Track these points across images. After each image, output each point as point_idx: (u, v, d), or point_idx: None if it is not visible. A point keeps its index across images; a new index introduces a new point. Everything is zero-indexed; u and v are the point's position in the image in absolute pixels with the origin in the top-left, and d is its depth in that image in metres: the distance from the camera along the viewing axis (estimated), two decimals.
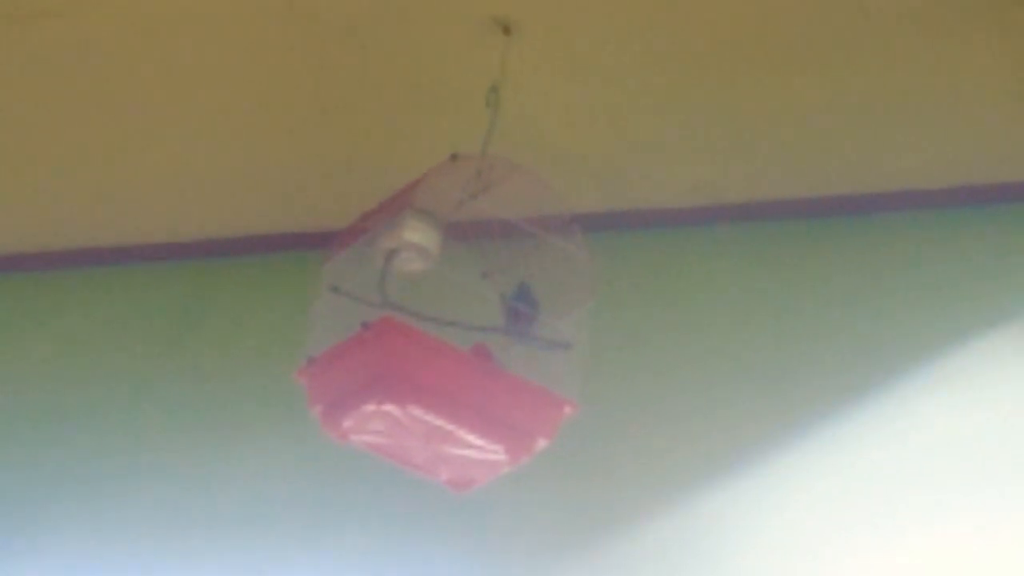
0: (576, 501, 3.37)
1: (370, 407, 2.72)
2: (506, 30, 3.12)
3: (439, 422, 2.73)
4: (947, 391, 3.33)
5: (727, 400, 3.40)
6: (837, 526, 3.26)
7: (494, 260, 2.92)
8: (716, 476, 3.34)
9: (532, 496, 3.33)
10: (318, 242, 3.03)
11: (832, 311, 3.45)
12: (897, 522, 3.24)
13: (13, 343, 3.86)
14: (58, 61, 3.32)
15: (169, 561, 3.53)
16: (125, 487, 3.62)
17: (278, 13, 3.19)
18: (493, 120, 2.99)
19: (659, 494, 3.35)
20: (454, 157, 2.84)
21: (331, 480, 3.50)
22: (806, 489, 3.31)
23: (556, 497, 3.37)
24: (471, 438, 2.75)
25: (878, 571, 3.21)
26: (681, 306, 3.54)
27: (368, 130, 3.42)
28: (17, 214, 3.76)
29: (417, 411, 2.71)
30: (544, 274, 2.90)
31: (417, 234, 2.82)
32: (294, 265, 3.68)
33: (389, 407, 2.71)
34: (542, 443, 2.80)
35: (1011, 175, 3.43)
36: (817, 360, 3.41)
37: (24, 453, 3.71)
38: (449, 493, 2.90)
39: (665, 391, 3.44)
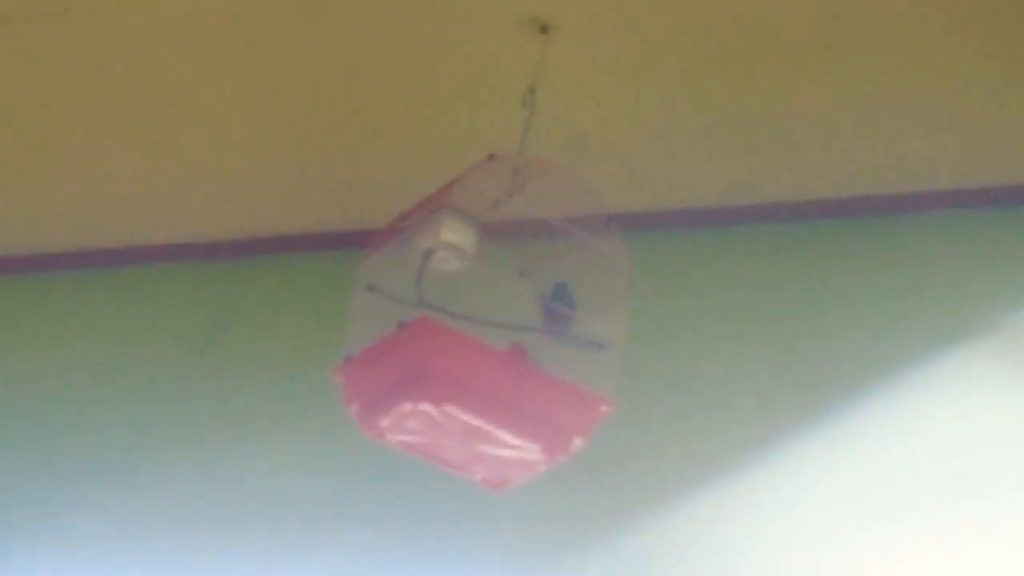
0: (587, 499, 3.37)
1: (406, 406, 2.72)
2: (543, 29, 3.12)
3: (475, 421, 2.72)
4: (952, 392, 3.32)
5: (752, 399, 3.40)
6: (853, 524, 3.26)
7: (531, 259, 2.92)
8: (727, 472, 3.34)
9: (540, 495, 3.32)
10: (355, 241, 3.03)
11: (854, 312, 3.45)
12: (906, 520, 3.24)
13: (45, 342, 3.88)
14: (91, 61, 3.34)
15: (194, 558, 3.55)
16: (154, 485, 3.64)
17: (315, 12, 3.20)
18: (530, 120, 2.98)
19: (671, 492, 3.35)
20: (491, 157, 2.84)
21: (359, 480, 3.51)
22: (817, 487, 3.31)
23: (566, 495, 3.36)
24: (507, 437, 2.75)
25: (882, 569, 3.20)
26: (711, 305, 3.53)
27: (404, 130, 3.43)
28: (48, 214, 3.78)
29: (453, 410, 2.71)
30: (581, 273, 2.89)
31: (454, 233, 2.82)
32: (330, 264, 3.69)
33: (425, 406, 2.71)
34: (579, 443, 2.80)
35: None
36: (836, 360, 3.40)
37: (50, 451, 3.72)
38: (458, 492, 2.90)
39: (691, 390, 3.44)
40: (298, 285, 3.79)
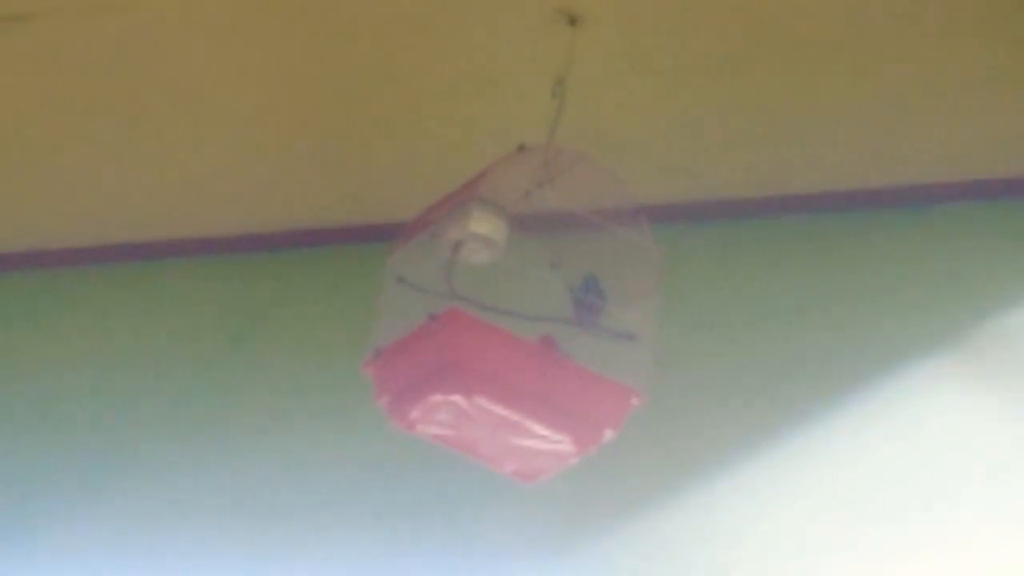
0: (590, 495, 3.37)
1: (437, 398, 2.72)
2: (572, 21, 3.12)
3: (505, 413, 2.72)
4: (952, 389, 3.31)
5: (768, 393, 3.39)
6: (854, 522, 3.26)
7: (561, 251, 2.92)
8: (730, 466, 3.34)
9: (543, 491, 3.31)
10: (384, 234, 3.03)
11: (864, 307, 3.44)
12: (905, 518, 3.24)
13: (77, 337, 3.88)
14: (127, 54, 3.34)
15: (205, 554, 3.55)
16: (184, 481, 3.64)
17: (344, 8, 3.20)
18: (559, 112, 2.98)
19: (673, 488, 3.35)
20: (521, 148, 2.84)
21: (374, 474, 3.51)
22: (819, 483, 3.31)
23: (567, 492, 3.34)
24: (538, 429, 2.75)
25: (879, 566, 3.20)
26: (739, 298, 3.53)
27: (436, 122, 3.43)
28: (86, 209, 3.78)
29: (484, 402, 2.71)
30: (611, 265, 2.89)
31: (483, 225, 2.82)
32: (360, 257, 3.69)
33: (456, 398, 2.71)
34: (609, 434, 2.80)
35: None
36: (866, 350, 3.40)
37: (80, 446, 3.73)
38: (456, 487, 2.91)
39: (721, 382, 3.44)
40: (330, 278, 3.79)
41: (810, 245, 3.54)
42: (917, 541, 3.21)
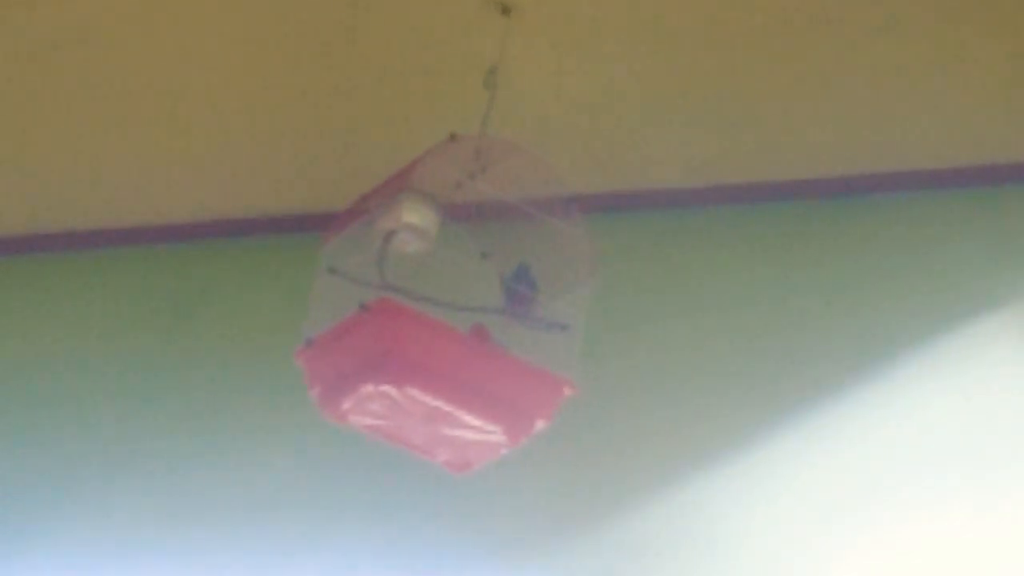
0: (572, 485, 3.36)
1: (368, 388, 2.72)
2: (505, 11, 3.12)
3: (437, 403, 2.72)
4: (944, 378, 3.32)
5: (724, 384, 3.39)
6: (835, 511, 3.26)
7: (493, 241, 2.92)
8: (713, 460, 3.34)
9: (530, 483, 3.33)
10: (317, 224, 3.02)
11: (831, 296, 3.44)
12: (896, 509, 3.23)
13: (9, 327, 3.85)
14: (57, 46, 3.32)
15: (167, 550, 3.52)
16: (120, 476, 3.61)
17: None
18: (492, 101, 2.98)
19: (654, 478, 3.34)
20: (453, 137, 2.83)
21: (330, 467, 3.50)
22: (803, 474, 3.30)
23: (554, 483, 3.36)
24: (469, 419, 2.75)
25: (873, 557, 3.20)
26: (679, 288, 3.53)
27: (367, 112, 3.42)
28: (13, 197, 3.75)
29: (415, 392, 2.71)
30: (543, 255, 2.89)
31: (415, 215, 2.81)
32: (293, 247, 3.67)
33: (387, 388, 2.71)
34: (541, 424, 2.80)
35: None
36: (816, 345, 3.40)
37: (18, 441, 3.70)
38: (446, 481, 2.90)
39: (663, 374, 3.43)
40: (263, 268, 3.77)
41: (746, 235, 3.54)
42: (913, 531, 3.21)
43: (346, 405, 2.77)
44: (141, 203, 3.75)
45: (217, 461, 3.58)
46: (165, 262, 3.82)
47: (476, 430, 2.77)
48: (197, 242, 3.80)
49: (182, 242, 3.81)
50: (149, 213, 3.78)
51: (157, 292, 3.80)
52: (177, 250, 3.82)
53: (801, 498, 3.28)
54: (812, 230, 3.51)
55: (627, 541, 3.32)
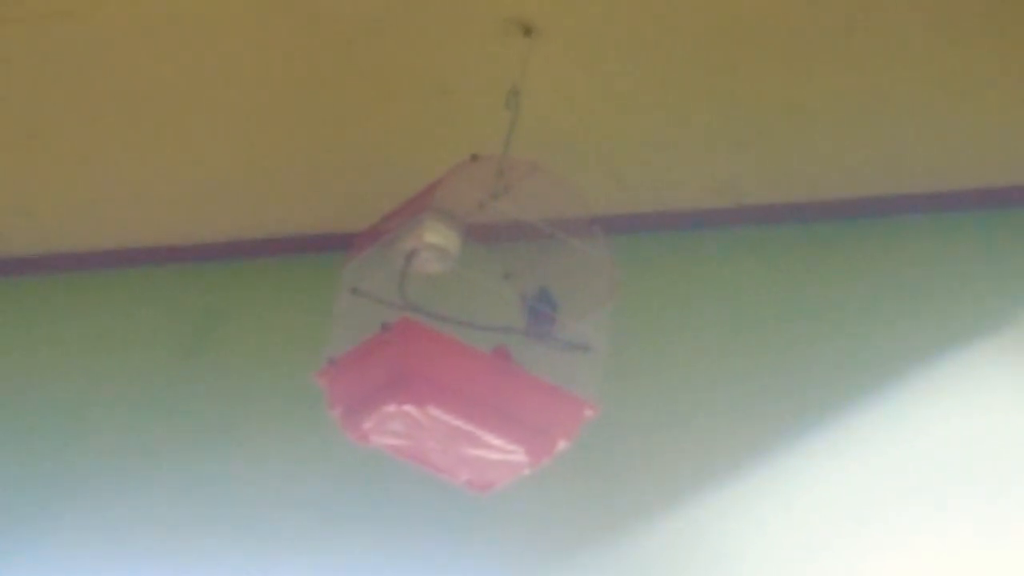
0: (585, 501, 3.37)
1: (390, 408, 2.71)
2: (527, 31, 3.12)
3: (459, 423, 2.72)
4: (952, 397, 3.32)
5: (742, 402, 3.39)
6: (843, 527, 3.26)
7: (514, 261, 2.92)
8: (725, 478, 3.34)
9: (540, 496, 3.32)
10: (339, 244, 3.02)
11: (844, 315, 3.44)
12: (901, 525, 3.23)
13: (33, 345, 3.86)
14: (75, 62, 3.33)
15: (186, 561, 3.53)
16: (140, 492, 3.63)
17: (297, 13, 3.19)
18: (514, 122, 2.98)
19: (668, 494, 3.35)
20: (474, 158, 2.83)
21: (346, 484, 3.50)
22: (813, 490, 3.30)
23: (564, 497, 3.36)
24: (491, 439, 2.74)
25: (879, 572, 3.21)
26: (696, 308, 3.53)
27: (389, 132, 3.42)
28: (38, 216, 3.76)
29: (437, 412, 2.71)
30: (564, 276, 2.89)
31: (437, 235, 2.82)
32: (315, 267, 3.69)
33: (409, 408, 2.70)
34: (563, 445, 2.79)
35: None
36: (830, 365, 3.40)
37: (43, 455, 3.71)
38: (456, 494, 2.90)
39: (681, 393, 3.44)
40: (284, 288, 3.78)
41: (769, 255, 3.55)
42: (918, 544, 3.20)
43: (367, 425, 2.77)
44: (162, 223, 3.76)
45: (237, 480, 3.59)
46: (187, 282, 3.83)
47: (498, 450, 2.77)
48: (218, 262, 3.81)
49: (204, 262, 3.82)
50: (171, 233, 3.79)
51: (178, 312, 3.81)
52: (198, 270, 3.83)
53: (812, 516, 3.27)
54: (829, 250, 3.51)
55: (637, 557, 3.32)
